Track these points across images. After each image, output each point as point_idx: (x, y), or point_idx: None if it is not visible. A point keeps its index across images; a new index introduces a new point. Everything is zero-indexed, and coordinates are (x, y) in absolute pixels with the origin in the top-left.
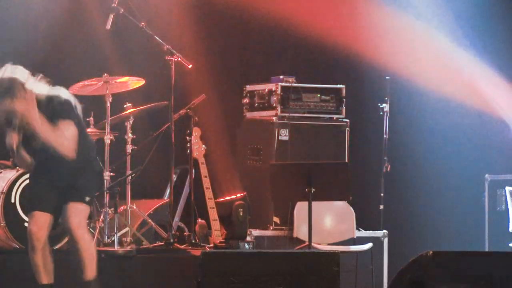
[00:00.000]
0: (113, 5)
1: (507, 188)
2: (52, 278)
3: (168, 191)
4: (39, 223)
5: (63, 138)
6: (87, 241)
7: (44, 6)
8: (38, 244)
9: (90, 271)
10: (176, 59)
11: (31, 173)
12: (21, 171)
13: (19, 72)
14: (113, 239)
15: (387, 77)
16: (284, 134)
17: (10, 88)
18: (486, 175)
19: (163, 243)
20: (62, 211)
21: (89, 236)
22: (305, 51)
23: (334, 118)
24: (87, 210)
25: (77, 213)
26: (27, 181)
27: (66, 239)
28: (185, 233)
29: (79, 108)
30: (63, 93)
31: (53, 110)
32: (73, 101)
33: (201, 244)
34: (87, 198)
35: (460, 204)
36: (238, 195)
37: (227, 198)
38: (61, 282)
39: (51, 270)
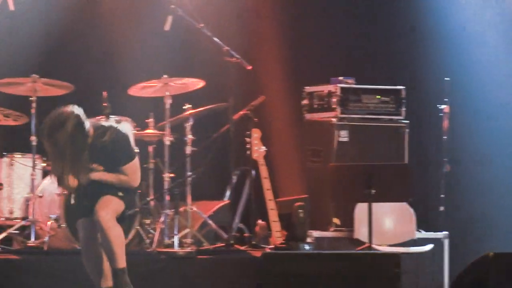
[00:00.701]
0: (172, 6)
1: None
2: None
3: (228, 192)
4: None
5: (132, 182)
6: (117, 231)
7: (105, 9)
8: None
9: (121, 259)
10: (235, 61)
11: None
12: None
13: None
14: (173, 240)
15: (446, 78)
16: (344, 136)
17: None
18: None
19: (223, 244)
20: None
21: (119, 227)
22: (364, 52)
23: (394, 119)
24: (119, 203)
25: (107, 204)
26: None
27: (130, 236)
28: (245, 234)
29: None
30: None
31: (116, 155)
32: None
33: (261, 245)
34: (120, 193)
35: None
36: (299, 196)
37: (288, 199)
38: None
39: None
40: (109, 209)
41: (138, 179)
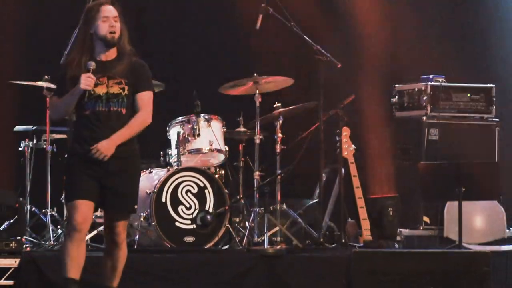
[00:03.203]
0: (262, 5)
1: None
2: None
3: (318, 190)
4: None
5: (147, 115)
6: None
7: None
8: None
9: (118, 279)
10: (325, 59)
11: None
12: (172, 170)
13: None
14: (263, 238)
15: None
16: (434, 134)
17: None
18: None
19: (313, 242)
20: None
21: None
22: (454, 50)
23: (484, 117)
24: None
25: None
26: (178, 180)
27: (216, 239)
28: (335, 233)
29: None
30: None
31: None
32: None
33: (351, 243)
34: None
35: None
36: (388, 194)
37: (377, 197)
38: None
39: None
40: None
41: (151, 113)
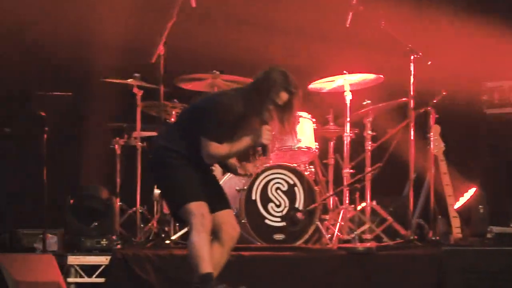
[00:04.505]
0: (353, 2)
1: None
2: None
3: (408, 188)
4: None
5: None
6: None
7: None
8: None
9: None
10: (416, 56)
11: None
12: (261, 168)
13: None
14: (353, 235)
15: None
16: None
17: None
18: None
19: (403, 240)
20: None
21: None
22: None
23: None
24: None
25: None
26: (268, 178)
27: (306, 236)
28: (425, 231)
29: None
30: None
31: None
32: None
33: (442, 241)
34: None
35: None
36: (475, 191)
37: (467, 195)
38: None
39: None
40: None
41: None
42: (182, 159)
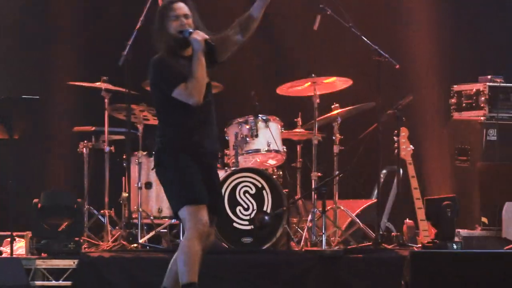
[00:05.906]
0: (320, 6)
1: None
2: None
3: (375, 191)
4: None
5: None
6: None
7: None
8: None
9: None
10: (383, 60)
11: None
12: (229, 171)
13: None
14: (320, 239)
15: None
16: (492, 135)
17: None
18: None
19: (370, 243)
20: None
21: None
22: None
23: None
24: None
25: None
26: (236, 181)
27: (273, 240)
28: (392, 233)
29: None
30: None
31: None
32: None
33: (409, 244)
34: None
35: None
36: (446, 195)
37: (435, 198)
38: None
39: None
40: None
41: None
42: (181, 153)
